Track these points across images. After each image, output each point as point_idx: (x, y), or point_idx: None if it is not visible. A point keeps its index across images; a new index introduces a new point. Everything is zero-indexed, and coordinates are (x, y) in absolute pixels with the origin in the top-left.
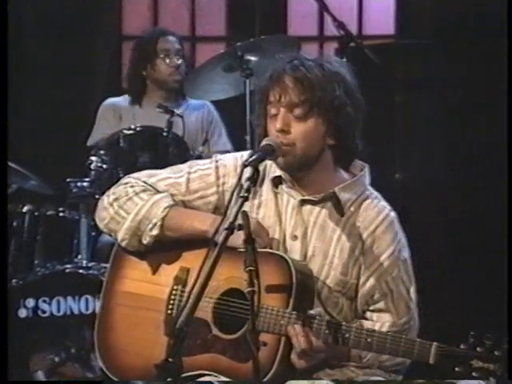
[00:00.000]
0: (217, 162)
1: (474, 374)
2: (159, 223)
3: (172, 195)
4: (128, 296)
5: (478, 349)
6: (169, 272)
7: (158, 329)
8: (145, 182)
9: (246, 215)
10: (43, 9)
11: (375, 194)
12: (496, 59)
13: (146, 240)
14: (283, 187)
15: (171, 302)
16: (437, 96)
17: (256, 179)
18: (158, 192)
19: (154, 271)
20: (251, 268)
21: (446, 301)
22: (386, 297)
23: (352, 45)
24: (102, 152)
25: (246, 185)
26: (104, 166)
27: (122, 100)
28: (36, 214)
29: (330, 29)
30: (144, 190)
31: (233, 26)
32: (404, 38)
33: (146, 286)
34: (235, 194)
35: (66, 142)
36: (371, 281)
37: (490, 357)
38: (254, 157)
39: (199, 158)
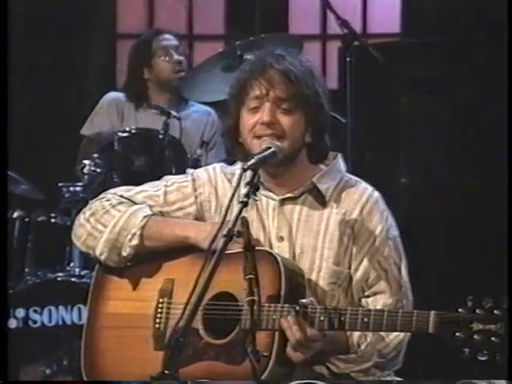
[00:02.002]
0: (192, 175)
1: (475, 336)
2: (138, 233)
3: (150, 206)
4: (114, 317)
5: (477, 311)
6: (153, 286)
7: (147, 345)
8: (121, 196)
9: (245, 221)
10: (35, 7)
11: (354, 178)
12: (496, 59)
13: (125, 252)
14: (261, 191)
15: (158, 315)
16: (441, 95)
17: (256, 184)
18: (136, 204)
19: (138, 288)
20: (251, 276)
21: (447, 300)
22: (381, 278)
23: (356, 43)
24: (95, 155)
25: (245, 190)
26: (98, 169)
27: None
28: (26, 219)
29: (333, 27)
30: (121, 203)
31: (232, 23)
32: (409, 36)
33: (132, 304)
34: (230, 199)
35: (59, 145)
36: (364, 263)
37: (490, 317)
38: (253, 160)
39: (197, 161)
